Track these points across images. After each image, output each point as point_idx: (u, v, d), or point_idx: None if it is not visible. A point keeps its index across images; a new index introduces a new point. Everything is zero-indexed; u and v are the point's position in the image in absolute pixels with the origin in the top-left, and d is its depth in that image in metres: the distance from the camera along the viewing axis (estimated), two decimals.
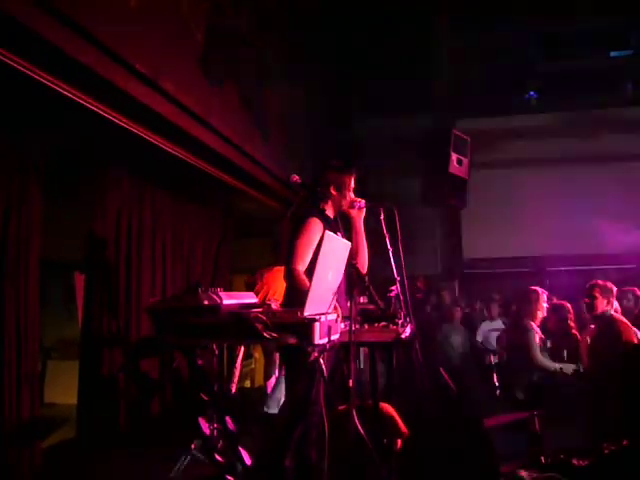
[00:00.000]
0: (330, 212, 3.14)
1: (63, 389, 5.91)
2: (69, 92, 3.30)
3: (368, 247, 3.24)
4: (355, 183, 3.19)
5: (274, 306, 2.61)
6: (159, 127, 4.18)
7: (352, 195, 3.17)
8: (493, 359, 6.02)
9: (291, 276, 2.81)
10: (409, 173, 8.10)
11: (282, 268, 2.96)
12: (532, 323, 4.60)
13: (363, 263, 3.16)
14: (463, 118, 8.57)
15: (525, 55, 8.22)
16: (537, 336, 4.53)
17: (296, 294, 2.72)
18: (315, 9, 7.30)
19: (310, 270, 2.57)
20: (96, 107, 3.55)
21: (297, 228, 2.94)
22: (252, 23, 5.62)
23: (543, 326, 4.74)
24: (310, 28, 7.34)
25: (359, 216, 3.24)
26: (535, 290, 4.71)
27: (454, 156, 8.11)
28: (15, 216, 3.74)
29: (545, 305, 4.69)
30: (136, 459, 4.18)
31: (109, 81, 3.41)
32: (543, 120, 8.58)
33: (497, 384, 5.53)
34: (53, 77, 3.16)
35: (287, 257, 2.85)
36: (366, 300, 3.44)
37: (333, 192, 3.10)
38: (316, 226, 2.92)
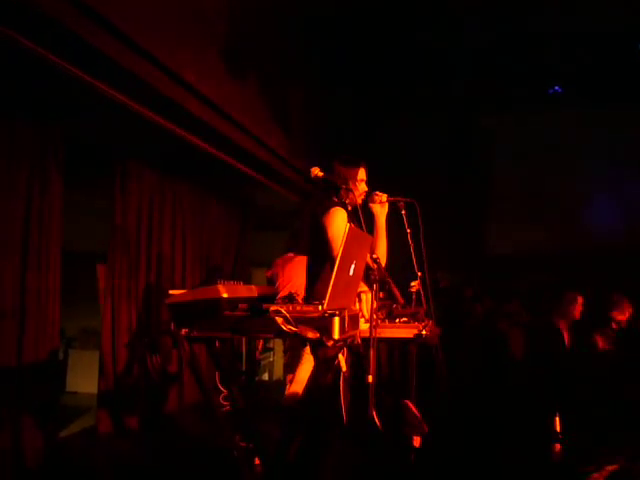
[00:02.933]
0: (348, 206, 3.11)
1: (84, 378, 6.00)
2: (91, 82, 3.32)
3: (389, 242, 3.21)
4: (366, 175, 3.16)
5: (295, 300, 2.58)
6: (180, 119, 4.18)
7: (364, 187, 3.13)
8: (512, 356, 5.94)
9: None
10: (433, 168, 8.02)
11: (302, 258, 2.95)
12: (563, 322, 4.54)
13: (381, 260, 3.12)
14: (487, 113, 8.46)
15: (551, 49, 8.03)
16: (565, 337, 4.47)
17: (318, 286, 2.71)
18: (333, 7, 7.20)
19: (331, 263, 2.55)
20: (117, 98, 3.57)
21: (323, 219, 2.91)
22: (274, 16, 5.59)
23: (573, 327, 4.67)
24: (329, 27, 7.27)
25: (382, 212, 3.21)
26: (574, 294, 4.64)
27: (478, 149, 8.03)
28: (36, 205, 3.78)
29: (580, 308, 4.62)
30: (154, 447, 4.22)
31: (130, 72, 3.41)
32: (569, 115, 8.43)
33: (516, 382, 5.46)
34: (75, 67, 3.18)
35: (328, 247, 2.82)
36: (385, 295, 3.40)
37: (344, 185, 3.07)
38: (342, 215, 2.90)
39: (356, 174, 3.11)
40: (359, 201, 3.12)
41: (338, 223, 2.87)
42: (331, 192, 3.07)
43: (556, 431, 3.63)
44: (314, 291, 2.86)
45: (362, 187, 3.13)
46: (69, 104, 3.76)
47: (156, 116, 4.00)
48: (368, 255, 2.72)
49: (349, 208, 3.10)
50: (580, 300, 4.62)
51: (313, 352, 2.68)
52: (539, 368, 4.49)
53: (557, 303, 4.68)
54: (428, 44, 7.36)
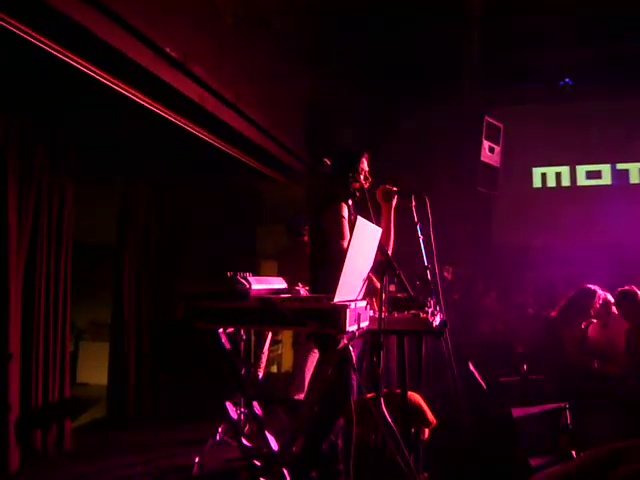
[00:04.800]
0: (351, 199, 3.11)
1: (95, 370, 6.04)
2: (100, 75, 3.32)
3: (397, 234, 3.21)
4: (368, 165, 3.15)
5: (303, 292, 2.59)
6: (188, 111, 4.18)
7: (367, 176, 3.13)
8: (522, 348, 5.91)
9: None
10: (440, 160, 7.98)
11: None
12: (579, 319, 4.50)
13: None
14: (496, 105, 8.41)
15: (561, 40, 7.94)
16: (579, 332, 4.43)
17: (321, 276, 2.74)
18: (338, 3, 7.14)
19: (332, 254, 2.56)
20: (126, 91, 3.57)
21: (324, 211, 2.92)
22: (281, 7, 5.56)
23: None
24: (340, 11, 7.23)
25: (390, 204, 3.20)
26: (595, 290, 4.56)
27: (486, 144, 7.97)
28: (47, 200, 3.80)
29: (599, 302, 4.55)
30: (164, 439, 4.25)
31: (139, 64, 3.41)
32: (579, 108, 8.36)
33: (526, 374, 5.43)
34: (85, 61, 3.18)
35: (335, 240, 2.82)
36: (395, 288, 3.40)
37: (346, 176, 3.08)
38: (343, 208, 2.91)
39: (358, 164, 3.11)
40: (363, 190, 3.12)
41: (338, 215, 2.88)
42: (335, 183, 3.08)
43: (566, 423, 3.61)
44: (317, 281, 2.87)
45: (365, 177, 3.12)
46: (76, 101, 3.77)
47: (164, 109, 4.00)
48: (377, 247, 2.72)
49: (352, 199, 3.11)
50: (599, 295, 4.54)
51: (322, 344, 2.68)
52: (553, 362, 4.45)
53: (574, 298, 4.60)
54: (431, 40, 7.32)
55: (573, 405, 3.66)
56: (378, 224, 3.03)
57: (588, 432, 3.58)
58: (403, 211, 3.22)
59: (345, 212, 2.93)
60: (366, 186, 3.11)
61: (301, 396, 4.80)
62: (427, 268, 3.01)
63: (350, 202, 3.08)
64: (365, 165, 3.14)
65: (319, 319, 2.22)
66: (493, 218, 8.68)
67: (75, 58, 3.10)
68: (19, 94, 3.51)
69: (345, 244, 2.76)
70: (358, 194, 3.09)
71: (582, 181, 8.57)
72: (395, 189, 3.19)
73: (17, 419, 3.51)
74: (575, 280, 6.29)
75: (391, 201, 3.19)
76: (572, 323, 4.48)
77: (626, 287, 4.46)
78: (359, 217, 2.32)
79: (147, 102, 3.76)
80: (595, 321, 4.61)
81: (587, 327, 4.64)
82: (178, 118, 4.16)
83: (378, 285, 2.68)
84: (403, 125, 8.12)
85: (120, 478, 3.57)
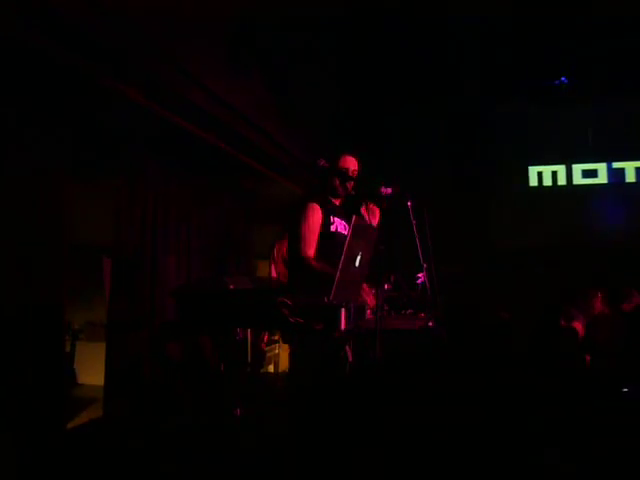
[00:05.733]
0: (334, 199, 3.10)
1: (91, 370, 6.03)
2: (94, 72, 3.32)
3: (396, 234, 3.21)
4: (352, 164, 3.15)
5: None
6: (183, 110, 4.18)
7: (351, 176, 3.12)
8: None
9: (303, 264, 2.78)
10: (438, 159, 7.99)
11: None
12: (581, 316, 4.53)
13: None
14: (493, 104, 8.42)
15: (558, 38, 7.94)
16: (578, 334, 4.46)
17: (305, 279, 2.74)
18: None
19: (337, 256, 2.55)
20: (121, 90, 3.56)
21: (296, 214, 2.93)
22: (280, 6, 5.56)
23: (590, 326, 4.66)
24: (338, 11, 7.22)
25: (382, 205, 3.20)
26: (594, 290, 4.60)
27: (482, 142, 7.99)
28: (44, 198, 3.79)
29: (599, 304, 4.59)
30: (161, 440, 4.24)
31: (133, 63, 3.41)
32: (575, 106, 8.38)
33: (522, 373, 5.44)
34: (82, 59, 3.18)
35: (293, 245, 2.83)
36: (390, 287, 3.40)
37: (330, 179, 3.08)
38: (314, 211, 2.90)
39: (338, 164, 3.11)
40: (347, 191, 3.11)
41: (311, 217, 2.88)
42: (319, 184, 3.10)
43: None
44: (294, 281, 2.86)
45: (349, 177, 3.11)
46: (76, 101, 3.76)
47: (159, 107, 3.99)
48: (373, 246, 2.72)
49: (336, 202, 3.10)
50: (599, 296, 4.57)
51: (319, 343, 2.68)
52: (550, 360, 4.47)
53: (580, 299, 4.63)
54: (429, 39, 7.30)
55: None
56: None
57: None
58: (400, 210, 3.22)
59: (313, 214, 2.92)
60: (350, 187, 3.10)
61: (301, 395, 4.79)
62: (424, 267, 3.02)
63: (331, 201, 3.08)
64: (348, 164, 3.13)
65: (316, 318, 2.22)
66: (489, 217, 8.68)
67: (76, 58, 3.10)
68: (19, 94, 3.50)
69: (302, 247, 2.77)
70: (353, 193, 3.09)
71: (578, 180, 8.57)
72: (386, 191, 3.17)
73: (14, 419, 3.50)
74: (572, 279, 6.32)
75: (383, 203, 3.19)
76: (571, 322, 4.51)
77: (622, 286, 4.49)
78: (355, 216, 2.33)
79: (140, 99, 3.76)
80: (593, 320, 4.63)
81: (586, 326, 4.67)
82: (173, 116, 4.16)
83: (373, 285, 2.69)
84: (401, 125, 8.13)
85: (117, 478, 3.56)
